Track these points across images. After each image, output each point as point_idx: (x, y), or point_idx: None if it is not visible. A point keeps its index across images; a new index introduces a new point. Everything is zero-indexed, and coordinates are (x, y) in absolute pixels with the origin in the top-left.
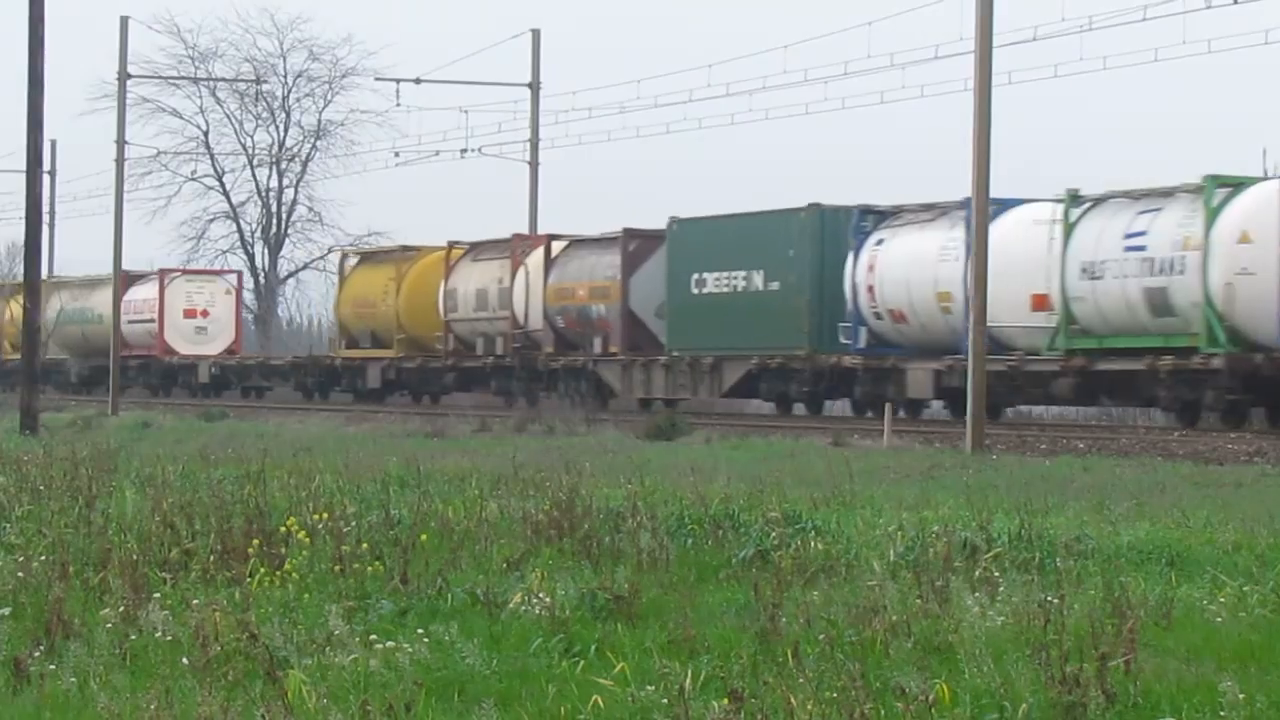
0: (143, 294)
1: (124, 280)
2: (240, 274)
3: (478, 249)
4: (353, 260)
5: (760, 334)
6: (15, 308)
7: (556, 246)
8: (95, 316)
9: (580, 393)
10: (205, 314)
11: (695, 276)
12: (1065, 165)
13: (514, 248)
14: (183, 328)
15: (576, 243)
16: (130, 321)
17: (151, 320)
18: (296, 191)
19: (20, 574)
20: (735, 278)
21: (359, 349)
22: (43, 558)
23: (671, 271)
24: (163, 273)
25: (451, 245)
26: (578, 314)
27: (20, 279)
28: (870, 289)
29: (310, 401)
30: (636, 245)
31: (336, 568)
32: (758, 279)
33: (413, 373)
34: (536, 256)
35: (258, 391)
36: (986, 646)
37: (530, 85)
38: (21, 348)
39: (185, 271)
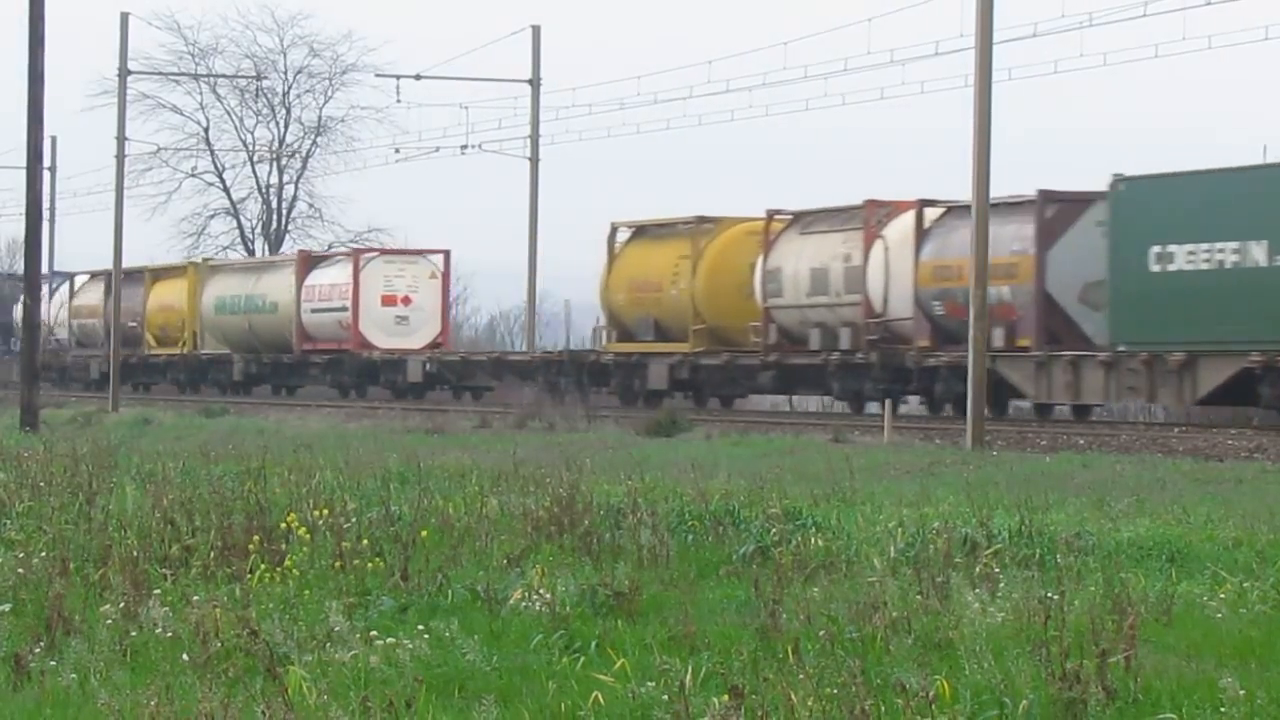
0: (330, 278)
1: (304, 262)
2: (447, 253)
3: (806, 219)
4: (624, 233)
5: (1261, 323)
6: (167, 292)
7: (931, 214)
8: (267, 305)
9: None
10: (407, 301)
11: (1156, 250)
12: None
13: (866, 217)
14: (381, 317)
15: (958, 209)
16: (314, 310)
17: (342, 309)
18: (297, 188)
19: (21, 570)
20: (1221, 251)
21: (636, 342)
22: (43, 554)
23: (1117, 244)
24: (357, 253)
25: (772, 215)
26: (967, 299)
27: (181, 261)
28: None
29: (558, 404)
30: (1054, 212)
31: (337, 564)
32: (1258, 253)
33: (714, 371)
34: (901, 227)
35: (474, 392)
36: (987, 643)
37: (530, 81)
38: (23, 341)
39: (384, 251)
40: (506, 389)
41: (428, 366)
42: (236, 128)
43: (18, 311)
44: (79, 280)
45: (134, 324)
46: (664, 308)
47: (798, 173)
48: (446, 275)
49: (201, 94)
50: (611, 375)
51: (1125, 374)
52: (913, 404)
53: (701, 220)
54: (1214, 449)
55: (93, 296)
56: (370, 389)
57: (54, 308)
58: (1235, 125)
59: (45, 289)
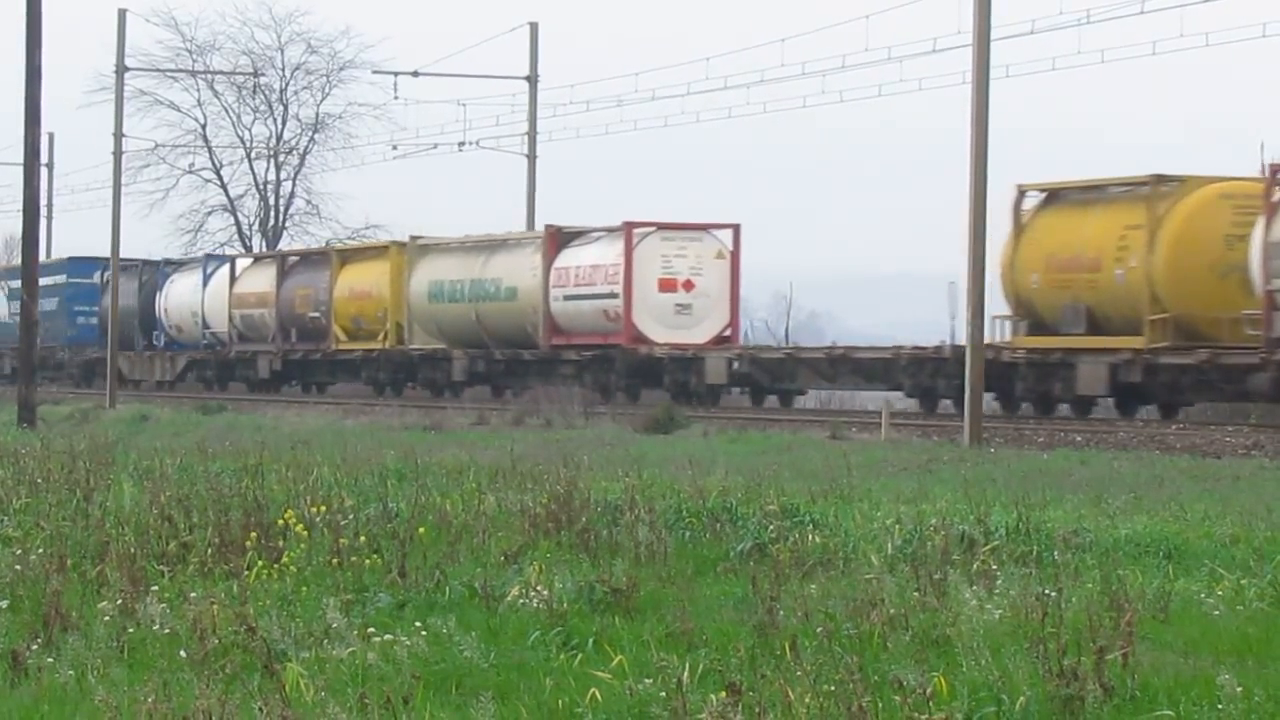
0: (589, 258)
1: (553, 239)
2: (737, 228)
3: None
4: (1034, 198)
5: None
6: (361, 276)
7: None
8: (503, 291)
9: None
10: (689, 286)
11: None
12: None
13: None
14: (657, 306)
15: None
16: (568, 297)
17: (609, 295)
18: (294, 184)
19: (18, 567)
20: None
21: (1050, 335)
22: (41, 550)
23: None
24: (629, 227)
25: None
26: None
27: (365, 240)
28: None
29: (923, 417)
30: None
31: (334, 561)
32: None
33: (1182, 373)
34: None
35: (782, 396)
36: (984, 640)
37: (528, 78)
38: (20, 338)
39: (661, 226)
40: (837, 391)
41: (735, 365)
42: (234, 124)
43: (161, 301)
44: (240, 265)
45: (317, 314)
46: (1101, 292)
47: (797, 170)
48: (736, 255)
49: (199, 91)
50: (1018, 378)
51: None
52: None
53: (1160, 180)
54: (1211, 446)
55: (259, 282)
56: (643, 390)
57: (209, 297)
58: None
59: (198, 275)
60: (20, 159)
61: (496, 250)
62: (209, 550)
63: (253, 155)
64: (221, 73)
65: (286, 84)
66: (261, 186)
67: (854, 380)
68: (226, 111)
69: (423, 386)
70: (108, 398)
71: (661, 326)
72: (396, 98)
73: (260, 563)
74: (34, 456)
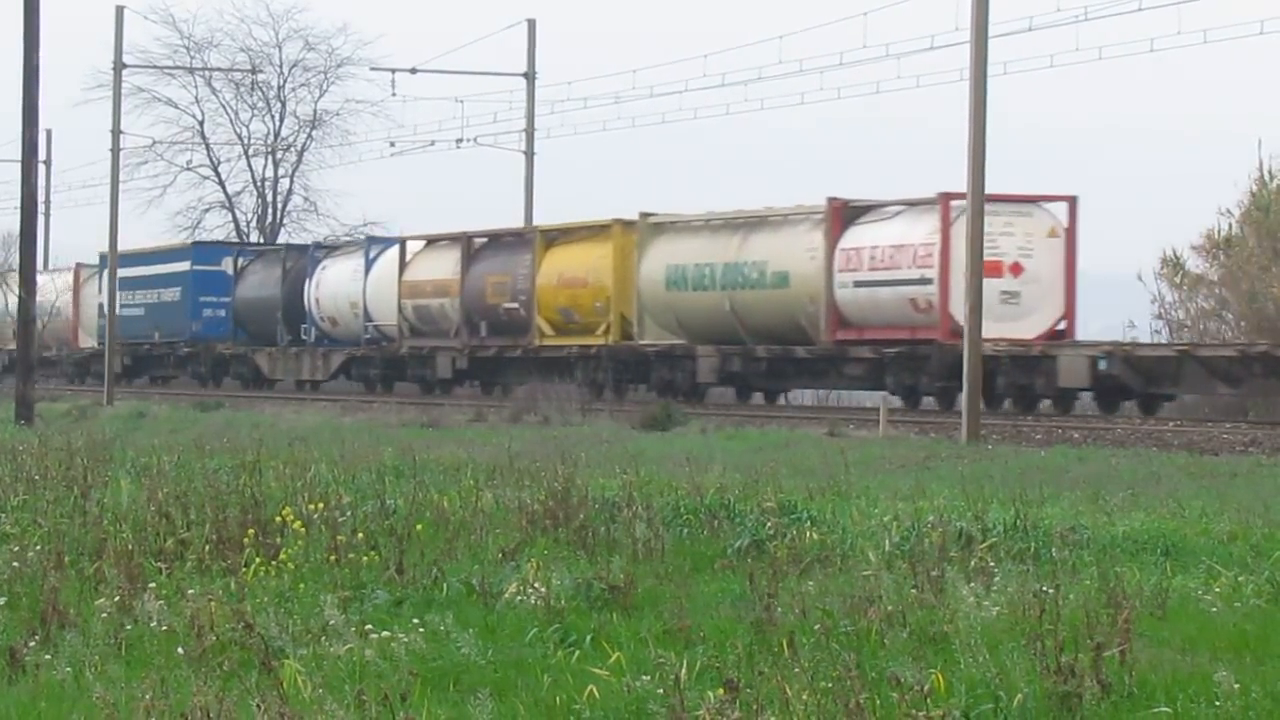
0: (892, 235)
1: (838, 214)
2: (1073, 200)
3: None
4: None
5: None
6: (573, 260)
7: None
8: (767, 277)
9: None
10: (1017, 270)
11: None
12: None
13: None
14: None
15: None
16: (859, 284)
17: (919, 281)
18: (292, 181)
19: (16, 564)
20: None
21: None
22: (38, 547)
23: None
24: (945, 198)
25: None
26: None
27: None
28: None
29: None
30: None
31: (332, 558)
32: None
33: None
34: None
35: (1145, 403)
36: (982, 636)
37: (526, 75)
38: (18, 335)
39: (992, 198)
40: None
41: (1102, 365)
42: (231, 121)
43: (311, 291)
44: (412, 248)
45: (514, 304)
46: None
47: (792, 165)
48: (1072, 233)
49: (196, 88)
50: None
51: None
52: None
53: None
54: (1209, 443)
55: (438, 268)
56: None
57: (372, 285)
58: (1232, 116)
59: (358, 260)
60: (18, 156)
61: (756, 228)
62: (206, 547)
63: (250, 152)
64: (219, 70)
65: (284, 81)
66: (259, 183)
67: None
68: (224, 108)
69: (655, 389)
70: (105, 394)
71: (985, 318)
72: (394, 95)
73: (258, 560)
74: (31, 453)
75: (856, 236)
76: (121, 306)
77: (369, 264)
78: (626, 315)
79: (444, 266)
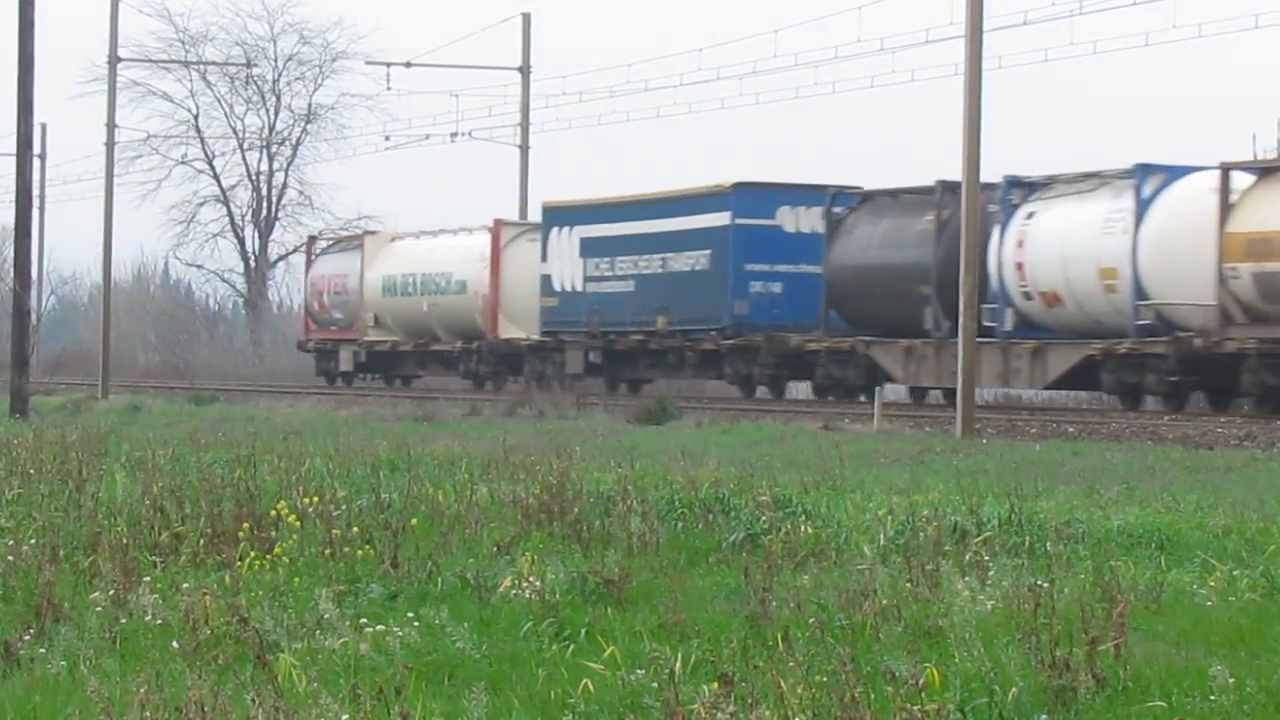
0: None
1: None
2: None
3: None
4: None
5: None
6: None
7: None
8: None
9: None
10: None
11: None
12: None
13: None
14: None
15: None
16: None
17: None
18: (287, 175)
19: (10, 558)
20: None
21: None
22: (33, 541)
23: None
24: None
25: None
26: None
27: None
28: None
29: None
30: None
31: (326, 551)
32: None
33: None
34: None
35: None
36: (976, 631)
37: (520, 69)
38: (13, 331)
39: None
40: None
41: None
42: (226, 115)
43: (1003, 251)
44: (1241, 181)
45: None
46: None
47: (790, 162)
48: None
49: (192, 81)
50: None
51: None
52: None
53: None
54: (1204, 437)
55: None
56: None
57: (1150, 238)
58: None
59: (1116, 199)
60: (13, 149)
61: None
62: (201, 541)
63: (245, 146)
64: (214, 63)
65: (279, 75)
66: (254, 177)
67: None
68: (219, 102)
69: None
70: (100, 388)
71: None
72: (389, 88)
73: (253, 554)
74: (26, 447)
75: None
76: (587, 280)
77: (1141, 206)
78: None
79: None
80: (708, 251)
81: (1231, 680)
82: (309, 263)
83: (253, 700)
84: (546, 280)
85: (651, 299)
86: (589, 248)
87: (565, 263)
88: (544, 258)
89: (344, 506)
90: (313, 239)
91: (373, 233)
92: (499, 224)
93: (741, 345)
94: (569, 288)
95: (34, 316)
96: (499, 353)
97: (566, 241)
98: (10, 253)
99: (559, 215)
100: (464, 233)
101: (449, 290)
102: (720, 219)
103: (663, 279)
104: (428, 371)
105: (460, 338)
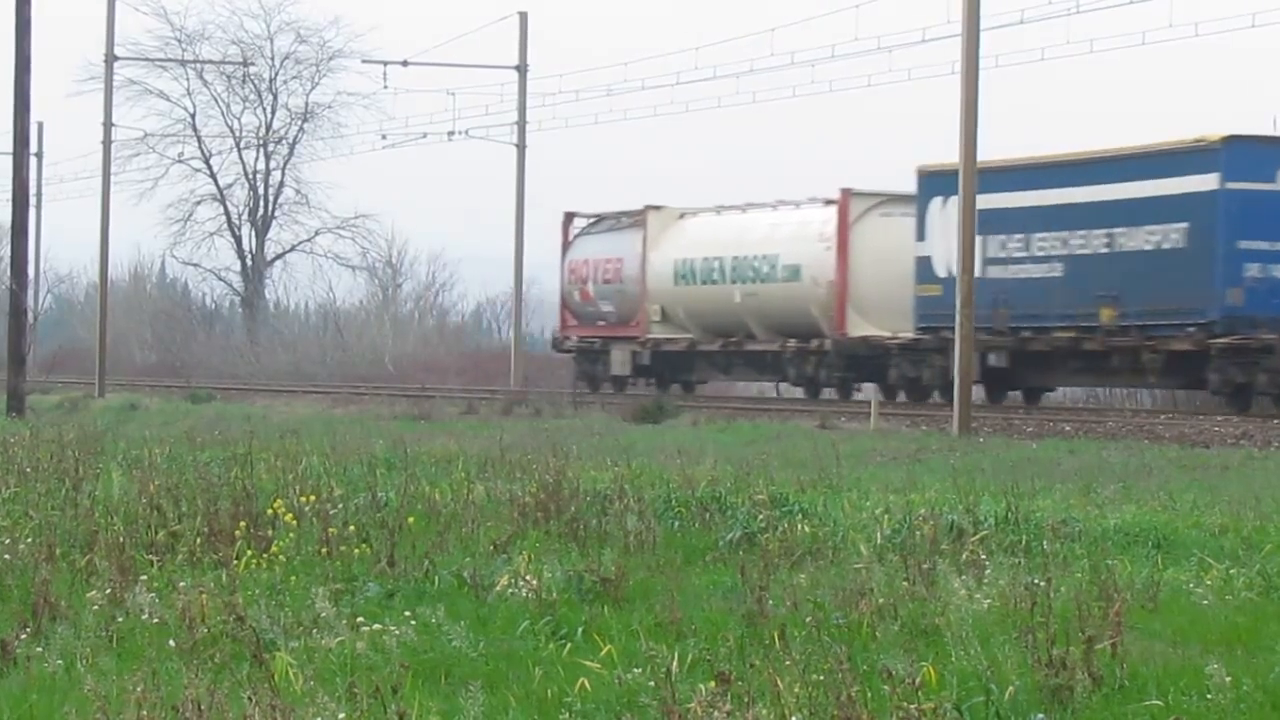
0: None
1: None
2: None
3: None
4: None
5: None
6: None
7: None
8: None
9: None
10: None
11: None
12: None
13: None
14: None
15: None
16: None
17: None
18: (283, 174)
19: (7, 556)
20: None
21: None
22: (29, 540)
23: None
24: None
25: None
26: None
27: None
28: None
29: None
30: None
31: (323, 550)
32: None
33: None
34: None
35: None
36: (973, 629)
37: (518, 68)
38: (9, 330)
39: None
40: None
41: None
42: (223, 114)
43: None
44: None
45: None
46: None
47: (788, 160)
48: None
49: (188, 80)
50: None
51: None
52: None
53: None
54: (1200, 435)
55: None
56: None
57: None
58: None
59: None
60: (9, 148)
61: None
62: (198, 539)
63: (242, 145)
64: (211, 62)
65: (276, 73)
66: (250, 176)
67: None
68: (216, 101)
69: None
70: (96, 386)
71: None
72: (386, 87)
73: (249, 552)
74: (22, 445)
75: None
76: (987, 263)
77: None
78: None
79: None
80: (1182, 225)
81: (1228, 678)
82: (566, 244)
83: (249, 699)
84: (924, 263)
85: (1090, 286)
86: (989, 222)
87: (952, 241)
88: (920, 235)
89: (340, 505)
90: (570, 215)
91: (657, 208)
92: (847, 194)
93: (1236, 345)
94: (977, 272)
95: (30, 315)
96: (849, 354)
97: (953, 215)
98: (7, 251)
99: (941, 182)
100: (787, 207)
101: (773, 278)
102: (1202, 182)
103: (1108, 260)
104: (733, 376)
105: (787, 335)
